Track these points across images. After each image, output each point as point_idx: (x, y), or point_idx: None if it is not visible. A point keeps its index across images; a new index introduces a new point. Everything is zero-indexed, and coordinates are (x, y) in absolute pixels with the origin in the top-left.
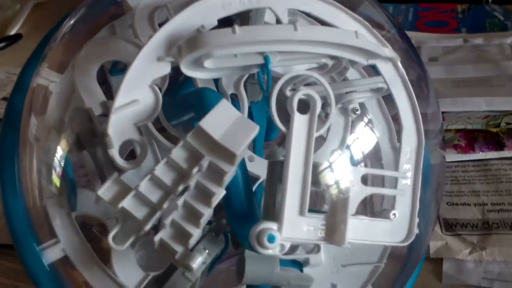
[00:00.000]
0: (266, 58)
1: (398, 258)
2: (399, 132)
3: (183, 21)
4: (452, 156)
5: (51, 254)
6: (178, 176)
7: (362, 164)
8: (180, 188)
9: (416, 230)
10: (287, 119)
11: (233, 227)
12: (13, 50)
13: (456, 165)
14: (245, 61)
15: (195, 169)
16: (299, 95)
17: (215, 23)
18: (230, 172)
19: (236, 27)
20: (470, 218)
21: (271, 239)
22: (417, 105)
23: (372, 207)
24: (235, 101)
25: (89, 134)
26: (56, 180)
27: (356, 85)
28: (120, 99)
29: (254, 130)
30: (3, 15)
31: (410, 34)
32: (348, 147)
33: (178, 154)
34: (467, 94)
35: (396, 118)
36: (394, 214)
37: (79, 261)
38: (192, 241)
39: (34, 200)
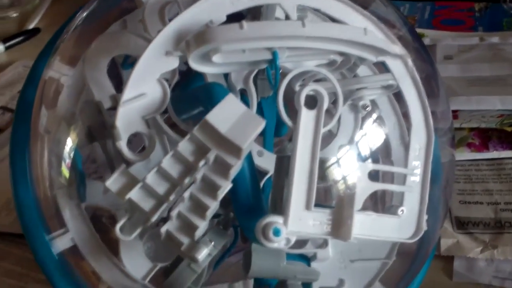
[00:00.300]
0: (274, 54)
1: (406, 255)
2: (409, 129)
3: (192, 16)
4: (466, 154)
5: (60, 244)
6: (185, 169)
7: (370, 160)
8: (187, 180)
9: (424, 227)
10: (297, 114)
11: (239, 220)
12: (31, 44)
13: (469, 164)
14: (253, 57)
15: (202, 162)
16: (307, 90)
17: (224, 18)
18: (236, 165)
19: (244, 22)
20: (483, 217)
21: (277, 232)
22: (426, 102)
23: (384, 205)
24: (245, 96)
25: (99, 127)
26: (66, 171)
27: (366, 82)
28: (128, 92)
29: (260, 124)
30: (22, 9)
31: (425, 32)
32: (356, 143)
33: (185, 147)
34: (482, 93)
35: (406, 116)
36: (402, 211)
37: (88, 251)
38: (198, 233)
39: (44, 190)
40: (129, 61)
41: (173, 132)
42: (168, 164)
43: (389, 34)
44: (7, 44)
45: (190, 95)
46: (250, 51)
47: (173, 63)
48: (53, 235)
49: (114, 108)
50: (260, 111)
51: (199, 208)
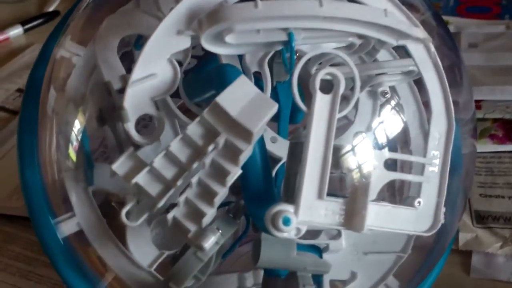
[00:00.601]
0: (290, 35)
1: (422, 248)
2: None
3: None
4: (488, 146)
5: (66, 228)
6: (194, 153)
7: (387, 148)
8: (195, 165)
9: (442, 220)
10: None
11: (249, 208)
12: (50, 27)
13: (491, 156)
14: (268, 38)
15: (211, 147)
16: (322, 73)
17: None
18: (247, 150)
19: (259, 1)
20: (504, 211)
21: (287, 222)
22: (448, 89)
23: (402, 197)
24: (260, 80)
25: (110, 108)
26: (73, 154)
27: (386, 67)
28: (137, 72)
29: (272, 107)
30: None
31: (450, 19)
32: (373, 130)
33: (194, 130)
34: (507, 83)
35: (427, 105)
36: (419, 202)
37: (94, 236)
38: (206, 221)
39: (52, 173)
40: (142, 42)
41: (185, 116)
42: (177, 147)
43: (411, 17)
44: (26, 26)
45: (203, 77)
46: (265, 32)
47: (185, 43)
48: (59, 219)
49: (124, 89)
50: (276, 96)
51: (207, 194)
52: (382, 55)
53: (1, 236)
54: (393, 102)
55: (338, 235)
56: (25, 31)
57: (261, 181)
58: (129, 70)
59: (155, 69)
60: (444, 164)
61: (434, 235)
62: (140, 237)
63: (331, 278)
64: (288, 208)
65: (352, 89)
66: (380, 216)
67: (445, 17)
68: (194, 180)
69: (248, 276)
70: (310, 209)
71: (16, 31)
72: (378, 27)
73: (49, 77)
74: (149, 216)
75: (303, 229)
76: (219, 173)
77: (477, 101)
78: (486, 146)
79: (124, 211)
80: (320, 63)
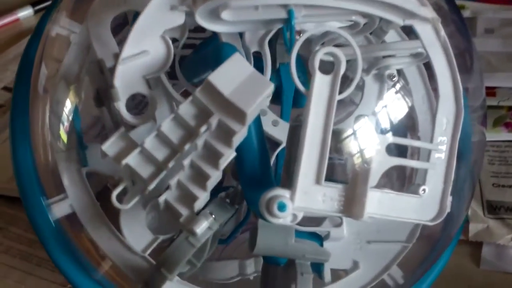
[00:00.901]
0: (290, 12)
1: (428, 238)
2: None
3: None
4: (503, 135)
5: (58, 210)
6: (186, 134)
7: (391, 133)
8: (187, 147)
9: (448, 208)
10: None
11: (245, 192)
12: None
13: (506, 145)
14: (267, 15)
15: (204, 128)
16: (322, 52)
17: None
18: (241, 132)
19: None
20: None
21: (282, 207)
22: (457, 72)
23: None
24: (261, 60)
25: (106, 88)
26: (64, 135)
27: (394, 48)
28: (128, 49)
29: (268, 87)
30: None
31: (466, 3)
32: (377, 114)
33: (186, 110)
34: None
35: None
36: (424, 190)
37: (87, 219)
38: (198, 205)
39: (44, 154)
40: None
41: (180, 96)
42: (168, 128)
43: None
44: (36, 8)
45: (200, 57)
46: (263, 8)
47: (179, 19)
48: (51, 201)
49: None
50: (278, 78)
51: (199, 177)
52: (392, 37)
53: (2, 218)
54: (399, 86)
55: (341, 222)
56: (36, 12)
57: (258, 165)
58: None
59: (147, 46)
60: (452, 150)
61: (440, 224)
62: (134, 221)
63: (333, 267)
64: (283, 193)
65: None
66: (383, 204)
67: (461, 2)
68: (186, 162)
69: (249, 263)
70: (307, 195)
71: (26, 12)
72: (383, 5)
73: (40, 54)
74: (142, 199)
75: (300, 216)
76: (212, 155)
77: (492, 88)
78: (500, 135)
79: (114, 194)
80: (323, 44)
